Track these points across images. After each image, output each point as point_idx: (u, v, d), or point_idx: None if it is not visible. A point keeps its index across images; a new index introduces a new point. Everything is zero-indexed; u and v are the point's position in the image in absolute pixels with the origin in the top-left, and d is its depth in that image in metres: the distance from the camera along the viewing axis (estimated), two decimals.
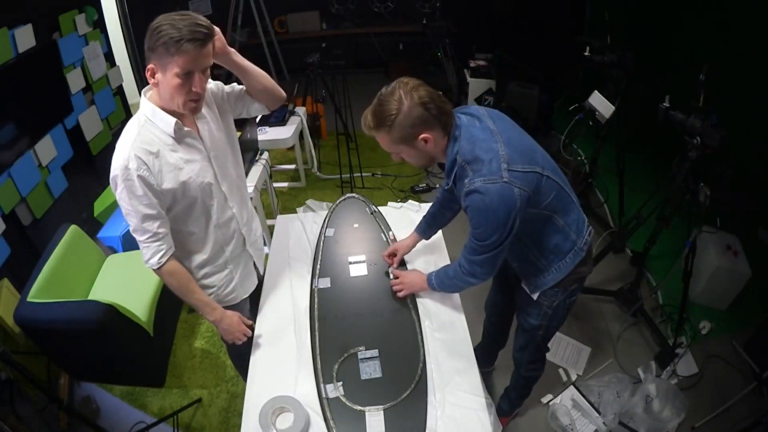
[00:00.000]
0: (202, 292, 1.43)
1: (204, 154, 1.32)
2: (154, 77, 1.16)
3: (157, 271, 1.31)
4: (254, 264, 1.64)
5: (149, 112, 1.21)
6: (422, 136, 1.19)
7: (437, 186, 3.71)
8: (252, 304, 1.69)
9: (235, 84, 1.50)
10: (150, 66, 1.14)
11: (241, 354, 1.58)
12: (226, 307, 1.56)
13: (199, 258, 1.43)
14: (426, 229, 1.72)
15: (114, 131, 3.29)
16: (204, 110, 1.34)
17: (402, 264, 1.72)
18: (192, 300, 1.41)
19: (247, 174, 2.58)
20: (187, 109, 1.20)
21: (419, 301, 1.59)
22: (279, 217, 2.05)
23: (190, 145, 1.28)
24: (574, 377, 2.23)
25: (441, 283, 1.49)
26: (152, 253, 1.27)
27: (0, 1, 2.31)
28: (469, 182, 1.17)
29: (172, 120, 1.21)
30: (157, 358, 2.34)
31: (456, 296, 1.60)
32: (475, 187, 1.16)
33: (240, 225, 1.50)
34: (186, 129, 1.25)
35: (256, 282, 1.67)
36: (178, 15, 1.11)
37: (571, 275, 1.39)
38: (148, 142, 1.19)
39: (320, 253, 1.78)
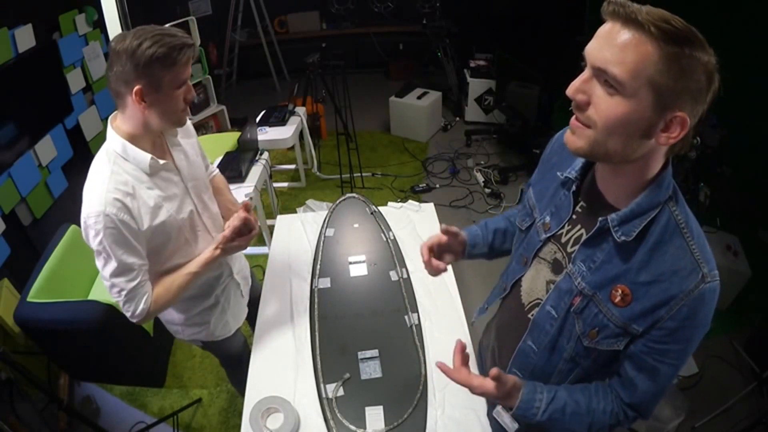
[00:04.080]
0: (187, 267, 1.25)
1: (182, 186, 1.23)
2: (144, 100, 1.03)
3: (149, 313, 1.17)
4: (241, 292, 1.58)
5: (119, 147, 1.09)
6: (681, 114, 0.64)
7: (437, 186, 3.71)
8: (249, 313, 1.68)
9: (212, 166, 1.51)
10: (138, 87, 1.01)
11: (242, 380, 1.48)
12: (221, 340, 1.54)
13: (189, 294, 1.35)
14: (487, 251, 1.16)
15: None
16: (180, 138, 1.26)
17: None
18: (190, 282, 1.26)
19: (246, 174, 2.59)
20: (181, 122, 1.16)
21: (419, 301, 1.59)
22: (279, 217, 2.05)
23: (165, 179, 1.18)
24: None
25: (561, 421, 0.87)
26: (134, 304, 1.13)
27: (0, 1, 2.31)
28: (710, 273, 0.72)
29: (147, 156, 1.10)
30: (157, 358, 2.34)
31: (456, 296, 1.60)
32: (717, 282, 0.72)
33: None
34: (161, 162, 1.14)
35: (246, 310, 1.63)
36: (150, 28, 1.02)
37: None
38: (123, 182, 1.07)
39: (320, 253, 1.78)
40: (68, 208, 2.78)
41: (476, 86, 4.28)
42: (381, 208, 1.99)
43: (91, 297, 2.25)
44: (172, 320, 1.47)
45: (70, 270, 2.18)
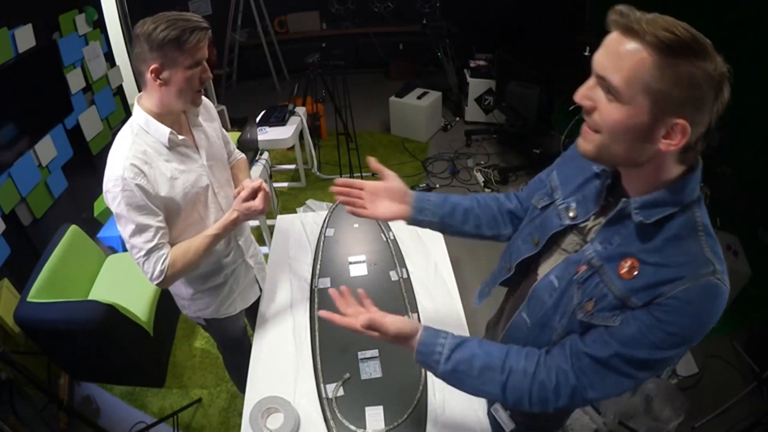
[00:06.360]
0: (205, 231, 1.29)
1: (199, 162, 1.29)
2: (159, 77, 1.10)
3: (166, 277, 1.21)
4: (255, 277, 1.63)
5: (142, 121, 1.17)
6: (681, 121, 0.65)
7: (437, 186, 3.71)
8: (249, 313, 1.68)
9: (237, 152, 1.58)
10: (154, 66, 1.08)
11: (238, 366, 1.55)
12: (224, 318, 1.56)
13: (198, 271, 1.40)
14: (438, 222, 1.12)
15: (114, 131, 3.29)
16: (201, 118, 1.32)
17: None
18: (208, 245, 1.28)
19: None
20: (196, 102, 1.20)
21: (419, 301, 1.59)
22: (279, 217, 2.05)
23: (184, 154, 1.25)
24: None
25: (469, 375, 0.84)
26: (153, 265, 1.18)
27: (0, 1, 2.31)
28: (721, 273, 0.72)
29: (167, 130, 1.18)
30: (157, 358, 2.34)
31: (456, 296, 1.60)
32: (726, 286, 0.72)
33: (237, 236, 1.49)
34: (181, 137, 1.22)
35: (257, 293, 1.66)
36: (168, 13, 1.08)
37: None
38: (142, 152, 1.15)
39: (320, 253, 1.78)
40: (68, 208, 2.78)
41: (476, 86, 4.28)
42: None
43: (91, 297, 2.26)
44: (180, 294, 1.51)
45: (70, 270, 2.18)
